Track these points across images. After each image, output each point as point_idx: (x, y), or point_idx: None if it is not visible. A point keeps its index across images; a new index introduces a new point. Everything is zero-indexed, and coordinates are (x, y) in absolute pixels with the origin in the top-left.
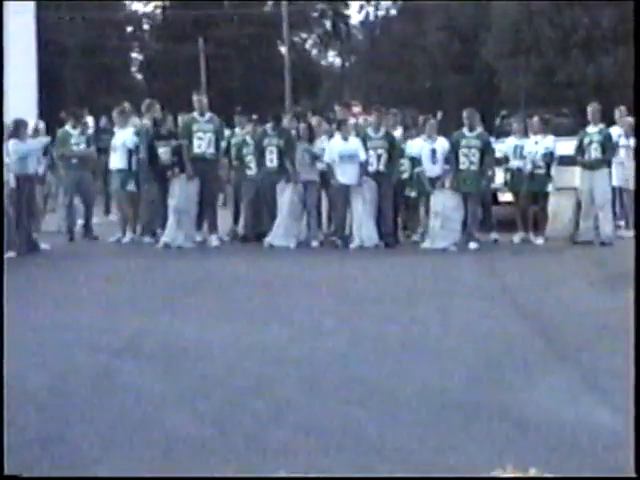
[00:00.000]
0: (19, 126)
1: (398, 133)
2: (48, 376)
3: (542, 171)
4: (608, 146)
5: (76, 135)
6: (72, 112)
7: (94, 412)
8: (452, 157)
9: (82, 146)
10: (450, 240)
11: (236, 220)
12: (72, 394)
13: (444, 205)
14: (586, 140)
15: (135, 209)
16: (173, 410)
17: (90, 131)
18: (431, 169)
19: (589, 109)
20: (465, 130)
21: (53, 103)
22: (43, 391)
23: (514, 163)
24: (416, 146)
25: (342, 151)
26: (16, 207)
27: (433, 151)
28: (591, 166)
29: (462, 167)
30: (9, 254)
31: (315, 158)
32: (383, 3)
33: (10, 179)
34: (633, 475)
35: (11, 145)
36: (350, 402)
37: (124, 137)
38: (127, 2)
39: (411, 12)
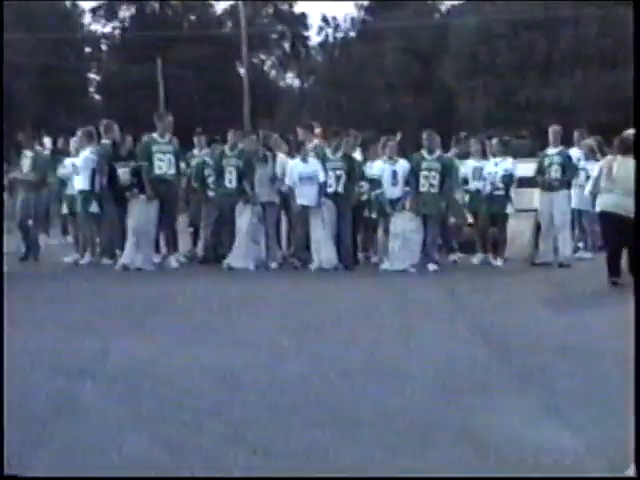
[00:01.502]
0: None
1: (357, 155)
2: (5, 399)
3: (501, 192)
4: (568, 167)
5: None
6: (26, 135)
7: (52, 436)
8: (412, 179)
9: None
10: (409, 262)
11: (195, 242)
12: (30, 418)
13: (404, 227)
14: (546, 162)
15: (95, 230)
16: (132, 433)
17: (47, 152)
18: (391, 191)
19: (550, 130)
20: (424, 152)
21: (9, 124)
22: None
23: (473, 184)
24: (376, 167)
25: (302, 172)
26: None
27: (394, 173)
28: (551, 187)
29: (422, 189)
30: None
31: (274, 180)
32: (342, 25)
33: None
34: (633, 475)
35: None
36: (310, 424)
37: (84, 157)
38: (85, 22)
39: (370, 34)
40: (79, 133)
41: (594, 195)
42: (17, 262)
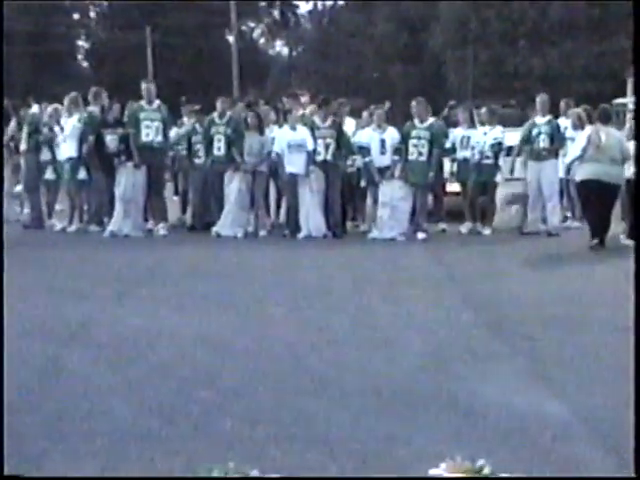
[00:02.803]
0: None
1: (351, 124)
2: None
3: (490, 161)
4: (556, 137)
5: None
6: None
7: (41, 402)
8: (402, 148)
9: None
10: (398, 230)
11: (184, 209)
12: (18, 384)
13: (392, 195)
14: (535, 131)
15: (83, 197)
16: (120, 400)
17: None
18: (380, 159)
19: (538, 100)
20: (416, 121)
21: None
22: None
23: (461, 154)
24: (365, 136)
25: (290, 140)
26: None
27: (382, 141)
28: (539, 157)
29: (411, 158)
30: None
31: (262, 150)
32: None
33: None
34: (633, 475)
35: None
36: (298, 392)
37: (72, 125)
38: None
39: (359, 2)
40: (65, 101)
41: (570, 164)
42: (5, 229)
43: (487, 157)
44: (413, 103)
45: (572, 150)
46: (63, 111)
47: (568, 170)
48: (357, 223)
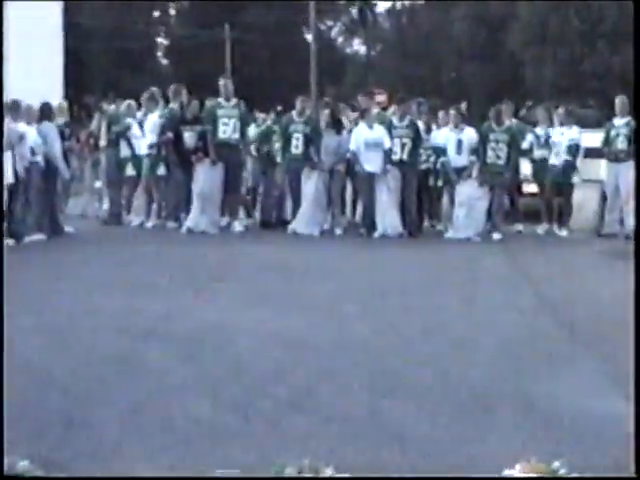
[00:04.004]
0: (46, 109)
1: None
2: (72, 360)
3: (567, 162)
4: (635, 139)
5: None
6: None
7: (117, 396)
8: (480, 149)
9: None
10: (474, 230)
11: (254, 206)
12: (96, 378)
13: (469, 195)
14: (613, 132)
15: (162, 193)
16: (195, 395)
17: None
18: (456, 160)
19: (617, 101)
20: (493, 124)
21: (79, 87)
22: (67, 375)
23: (538, 153)
24: (442, 136)
25: (367, 139)
26: (43, 190)
27: (459, 141)
28: (617, 159)
29: (489, 161)
30: (39, 236)
31: (340, 149)
32: None
33: (40, 161)
34: (633, 475)
35: (38, 128)
36: (372, 390)
37: (152, 122)
38: None
39: (438, 1)
40: (143, 98)
41: None
42: (84, 224)
43: (564, 158)
44: (500, 106)
45: None
46: (142, 107)
47: None
48: (433, 223)
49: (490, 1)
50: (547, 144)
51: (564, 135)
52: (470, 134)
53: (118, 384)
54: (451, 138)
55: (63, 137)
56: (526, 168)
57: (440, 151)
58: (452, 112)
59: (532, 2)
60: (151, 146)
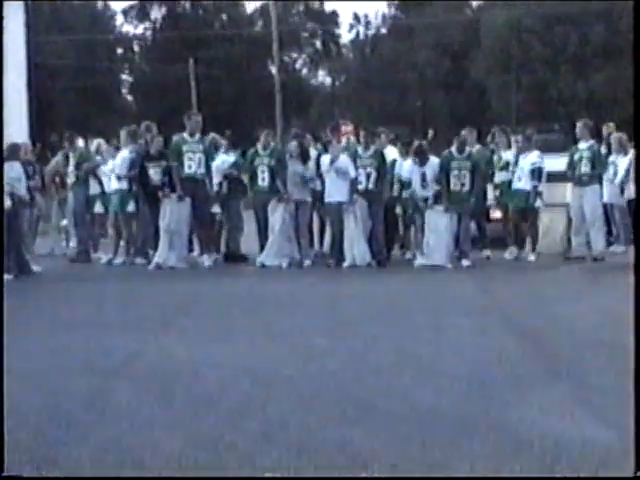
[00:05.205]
0: (14, 149)
1: (392, 152)
2: (42, 399)
3: (530, 187)
4: (598, 162)
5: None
6: (66, 136)
7: (88, 435)
8: (443, 178)
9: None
10: (443, 257)
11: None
12: (66, 417)
13: (437, 223)
14: (576, 156)
15: (131, 230)
16: (166, 432)
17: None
18: (421, 192)
19: (578, 125)
20: (454, 151)
21: (44, 125)
22: (37, 414)
23: (500, 177)
24: (405, 169)
25: (334, 166)
26: (9, 229)
27: (423, 175)
28: (581, 182)
29: (453, 188)
30: (5, 276)
31: (306, 180)
32: (373, 22)
33: (6, 201)
34: (633, 475)
35: (6, 167)
36: (343, 421)
37: (122, 157)
38: (117, 24)
39: (401, 31)
40: (123, 132)
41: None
42: (52, 263)
43: (525, 182)
44: (463, 134)
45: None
46: (121, 144)
47: (622, 191)
48: (404, 251)
49: (452, 29)
50: (507, 168)
51: (525, 159)
52: (434, 166)
53: (88, 423)
54: (415, 171)
55: (28, 176)
56: (491, 194)
57: (405, 184)
58: (414, 146)
59: (493, 29)
60: (119, 178)
